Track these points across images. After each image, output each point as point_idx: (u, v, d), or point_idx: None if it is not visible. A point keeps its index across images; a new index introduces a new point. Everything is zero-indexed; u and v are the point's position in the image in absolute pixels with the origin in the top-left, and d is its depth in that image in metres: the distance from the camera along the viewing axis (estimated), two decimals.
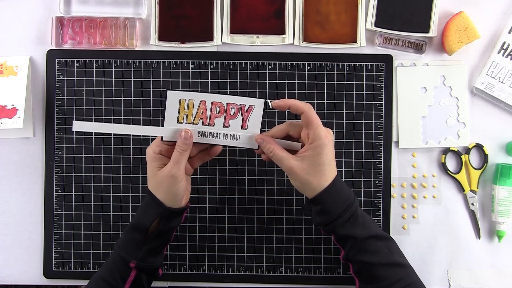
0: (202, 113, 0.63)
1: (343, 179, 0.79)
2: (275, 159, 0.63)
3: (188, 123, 0.63)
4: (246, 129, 0.64)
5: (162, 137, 0.64)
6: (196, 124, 0.63)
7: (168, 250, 0.79)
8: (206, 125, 0.64)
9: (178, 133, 0.63)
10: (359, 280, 0.64)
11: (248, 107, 0.63)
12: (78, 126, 0.62)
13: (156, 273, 0.67)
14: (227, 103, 0.63)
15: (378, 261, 0.62)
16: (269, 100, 0.63)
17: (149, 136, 0.65)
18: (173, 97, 0.62)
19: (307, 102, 0.79)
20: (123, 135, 0.79)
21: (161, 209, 0.63)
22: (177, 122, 0.63)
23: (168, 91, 0.62)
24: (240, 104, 0.63)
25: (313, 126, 0.62)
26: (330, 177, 0.62)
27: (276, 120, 0.79)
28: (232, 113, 0.63)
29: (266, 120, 0.79)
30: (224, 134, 0.64)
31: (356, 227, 0.62)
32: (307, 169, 0.61)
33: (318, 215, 0.63)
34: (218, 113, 0.63)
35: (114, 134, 0.79)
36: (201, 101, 0.62)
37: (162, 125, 0.64)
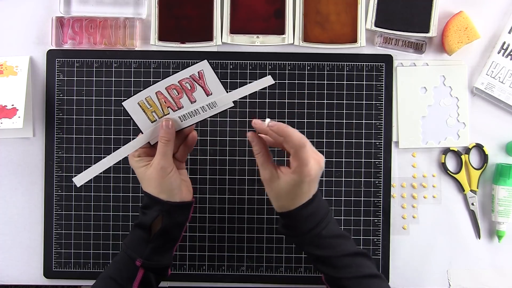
0: (165, 102, 0.62)
1: (343, 179, 0.79)
2: (258, 162, 0.62)
3: (160, 117, 0.63)
4: (211, 94, 0.62)
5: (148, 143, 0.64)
6: (167, 114, 0.63)
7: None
8: (176, 110, 0.63)
9: (158, 125, 0.62)
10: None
11: (199, 74, 0.61)
12: (79, 180, 0.62)
13: (165, 273, 0.66)
14: (178, 81, 0.61)
15: (345, 275, 0.61)
16: (268, 120, 0.60)
17: (138, 148, 0.64)
18: (131, 104, 0.61)
19: (304, 101, 0.79)
20: (123, 134, 0.79)
21: (160, 205, 0.62)
22: (151, 122, 0.63)
23: (123, 103, 0.61)
24: (190, 75, 0.61)
25: (303, 163, 0.58)
26: (306, 198, 0.60)
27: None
28: (189, 88, 0.61)
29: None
30: (199, 108, 0.62)
31: (320, 248, 0.61)
32: (280, 191, 0.60)
33: (283, 228, 0.63)
34: (178, 94, 0.61)
35: (114, 134, 0.79)
36: (156, 92, 0.61)
37: (142, 132, 0.63)
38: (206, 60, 0.60)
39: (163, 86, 0.61)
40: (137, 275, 0.62)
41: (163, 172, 0.62)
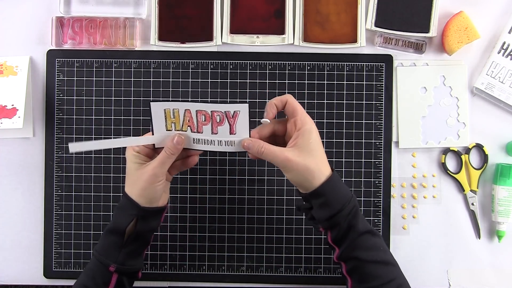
0: (189, 121, 0.62)
1: (343, 179, 0.79)
2: (267, 155, 0.61)
3: (177, 130, 0.63)
4: (235, 134, 0.63)
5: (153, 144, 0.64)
6: (185, 131, 0.63)
7: (169, 250, 0.79)
8: (194, 132, 0.63)
9: (170, 136, 0.62)
10: (352, 279, 0.63)
11: (234, 113, 0.61)
12: (74, 147, 0.61)
13: (137, 275, 0.67)
14: (211, 111, 0.61)
15: (373, 259, 0.61)
16: (263, 120, 0.62)
17: (143, 144, 0.64)
18: (157, 108, 0.61)
19: (304, 101, 0.79)
20: (123, 134, 0.79)
21: (137, 210, 0.62)
22: (166, 130, 0.63)
23: (151, 103, 0.61)
24: (225, 111, 0.61)
25: (298, 112, 0.61)
26: (327, 166, 0.62)
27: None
28: (218, 120, 0.62)
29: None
30: (216, 140, 0.63)
31: (358, 218, 0.61)
32: (302, 155, 0.60)
33: (321, 209, 0.61)
34: (205, 121, 0.62)
35: (114, 134, 0.79)
36: (185, 109, 0.61)
37: (152, 133, 0.63)
38: (248, 104, 0.60)
39: (194, 108, 0.61)
40: (111, 280, 0.63)
41: (153, 178, 0.62)
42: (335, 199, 0.61)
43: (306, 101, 0.79)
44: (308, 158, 0.60)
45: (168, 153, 0.62)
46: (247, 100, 0.79)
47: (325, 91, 0.79)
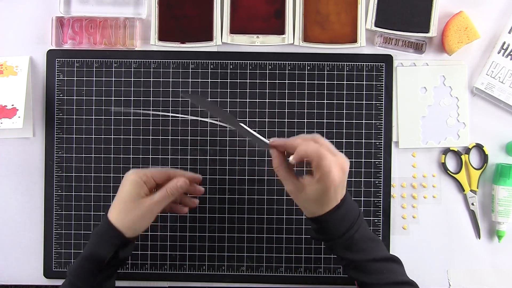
0: None
1: None
2: (279, 175, 0.62)
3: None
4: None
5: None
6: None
7: (169, 250, 0.79)
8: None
9: (176, 178, 0.65)
10: None
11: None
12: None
13: None
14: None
15: (377, 282, 0.60)
16: (289, 159, 0.60)
17: (150, 176, 0.66)
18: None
19: (304, 101, 0.79)
20: (123, 135, 0.79)
21: (120, 240, 0.62)
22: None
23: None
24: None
25: (325, 173, 0.57)
26: (334, 203, 0.59)
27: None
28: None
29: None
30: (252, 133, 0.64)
31: (353, 252, 0.61)
32: (308, 200, 0.60)
33: (316, 233, 0.62)
34: None
35: (114, 134, 0.79)
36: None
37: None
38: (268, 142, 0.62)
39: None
40: None
41: (149, 214, 0.63)
42: (330, 229, 0.60)
43: (306, 101, 0.79)
44: (312, 203, 0.60)
45: (169, 193, 0.64)
46: (247, 100, 0.79)
47: (325, 91, 0.79)
